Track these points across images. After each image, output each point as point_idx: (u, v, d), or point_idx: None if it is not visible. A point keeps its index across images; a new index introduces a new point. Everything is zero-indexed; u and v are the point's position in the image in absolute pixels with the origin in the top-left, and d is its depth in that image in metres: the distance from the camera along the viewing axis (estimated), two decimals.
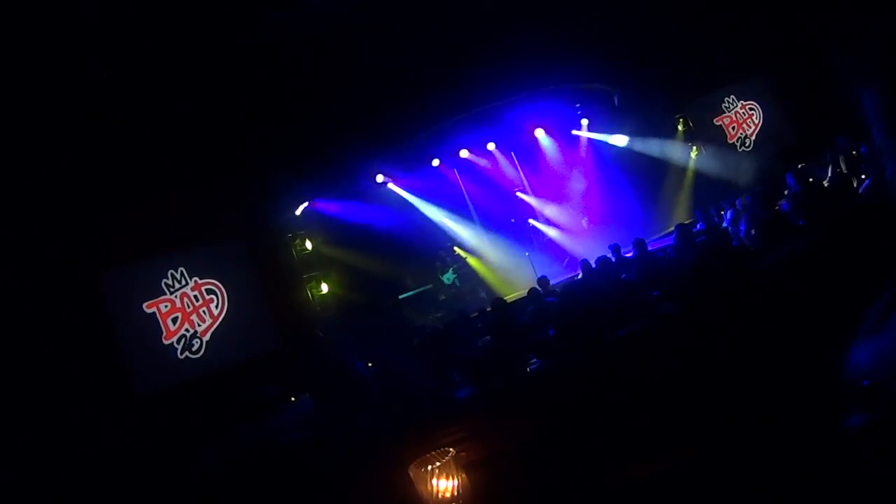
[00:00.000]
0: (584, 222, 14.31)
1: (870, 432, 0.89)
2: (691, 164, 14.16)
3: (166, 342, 9.37)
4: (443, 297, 12.91)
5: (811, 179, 7.88)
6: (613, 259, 8.47)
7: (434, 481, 2.05)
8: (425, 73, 10.47)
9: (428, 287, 13.01)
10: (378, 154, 12.00)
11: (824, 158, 8.80)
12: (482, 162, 14.36)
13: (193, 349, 9.56)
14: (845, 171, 7.83)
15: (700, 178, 14.05)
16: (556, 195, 14.71)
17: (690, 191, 14.08)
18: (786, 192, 7.69)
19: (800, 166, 8.01)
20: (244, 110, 9.75)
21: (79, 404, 8.06)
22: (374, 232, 12.50)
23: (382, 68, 10.23)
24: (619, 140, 14.39)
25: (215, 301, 9.95)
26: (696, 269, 3.22)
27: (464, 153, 14.00)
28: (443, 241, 13.67)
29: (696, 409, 2.40)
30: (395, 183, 13.32)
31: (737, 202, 8.82)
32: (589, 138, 14.82)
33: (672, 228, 10.42)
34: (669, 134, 14.27)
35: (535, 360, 4.36)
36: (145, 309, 9.34)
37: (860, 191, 6.25)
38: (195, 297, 9.79)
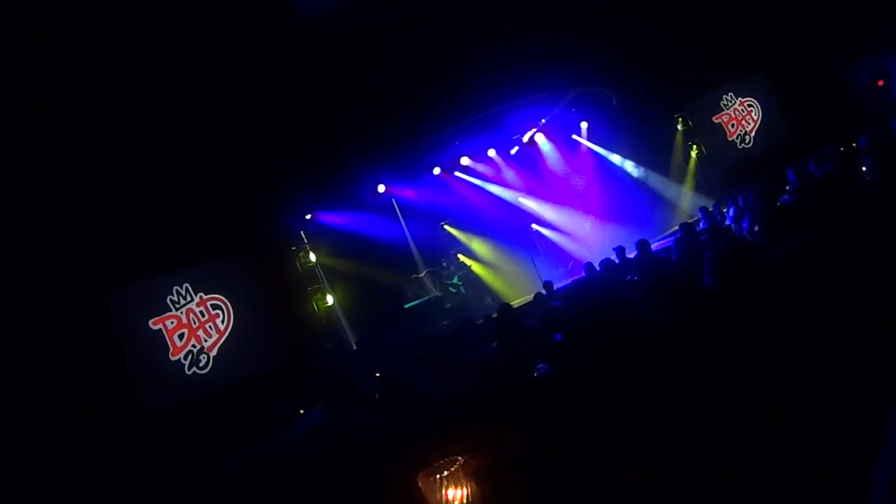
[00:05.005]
0: (587, 225, 14.30)
1: None
2: (692, 163, 14.15)
3: (173, 358, 9.37)
4: (448, 305, 12.89)
5: (813, 174, 7.87)
6: (618, 261, 8.45)
7: (443, 491, 2.04)
8: (422, 83, 10.50)
9: (433, 295, 13.00)
10: (379, 164, 12.03)
11: (825, 153, 8.77)
12: (483, 168, 14.38)
13: (201, 365, 9.56)
14: (847, 165, 7.80)
15: (701, 175, 14.05)
16: (558, 199, 14.71)
17: (692, 189, 14.08)
18: (787, 188, 7.68)
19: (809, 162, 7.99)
20: (244, 125, 9.79)
21: (87, 422, 8.06)
22: (377, 242, 12.52)
23: (379, 78, 10.27)
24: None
25: (221, 316, 9.96)
26: (714, 267, 3.20)
27: (465, 160, 14.02)
28: (447, 249, 13.67)
29: (704, 410, 2.38)
30: (397, 192, 13.34)
31: (739, 199, 8.79)
32: (590, 139, 14.83)
33: (676, 228, 10.40)
34: (669, 134, 14.27)
35: (542, 365, 4.35)
36: (151, 326, 9.35)
37: (862, 185, 6.23)
38: (201, 312, 9.80)
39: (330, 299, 11.24)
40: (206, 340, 9.70)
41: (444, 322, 12.32)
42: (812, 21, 13.78)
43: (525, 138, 14.69)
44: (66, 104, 8.09)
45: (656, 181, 14.22)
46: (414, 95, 10.59)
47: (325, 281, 11.58)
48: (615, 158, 14.53)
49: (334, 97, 10.23)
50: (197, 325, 9.70)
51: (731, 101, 14.42)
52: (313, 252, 11.51)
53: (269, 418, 8.17)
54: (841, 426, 1.81)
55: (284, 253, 11.23)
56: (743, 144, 14.35)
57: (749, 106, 14.44)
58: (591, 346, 3.17)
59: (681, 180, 14.25)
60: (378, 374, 6.79)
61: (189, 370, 9.45)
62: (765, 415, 2.18)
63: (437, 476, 2.06)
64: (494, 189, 14.46)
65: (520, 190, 14.68)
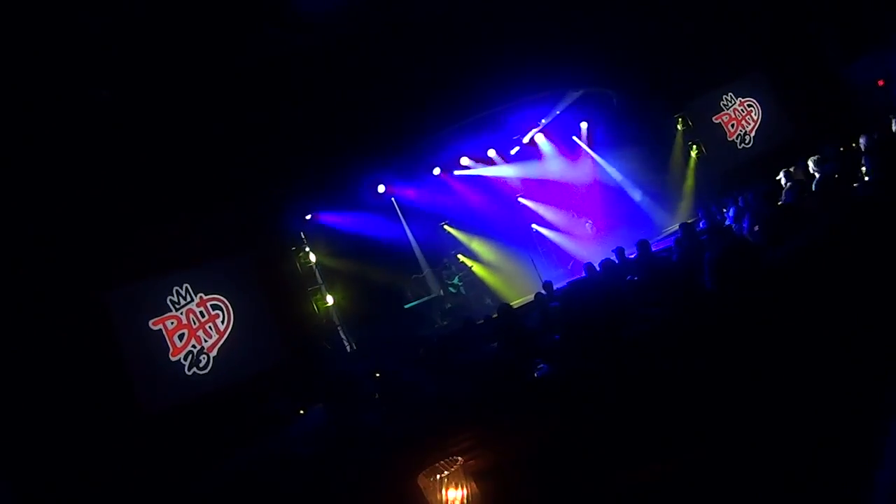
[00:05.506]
0: (588, 226, 14.30)
1: None
2: (692, 163, 14.16)
3: (173, 359, 9.37)
4: (449, 306, 12.89)
5: (813, 174, 7.86)
6: (617, 261, 8.45)
7: (443, 491, 2.04)
8: (422, 83, 10.50)
9: (433, 296, 13.00)
10: (379, 165, 12.04)
11: (825, 153, 8.77)
12: (483, 168, 14.38)
13: (201, 365, 9.56)
14: (847, 165, 7.80)
15: (701, 176, 14.05)
16: (558, 199, 14.71)
17: (692, 189, 14.08)
18: (789, 184, 7.69)
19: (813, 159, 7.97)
20: (244, 125, 9.79)
21: (87, 422, 8.06)
22: (377, 242, 12.52)
23: (379, 79, 10.27)
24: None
25: (221, 316, 9.96)
26: (714, 267, 3.20)
27: (465, 160, 14.01)
28: (447, 250, 13.67)
29: (704, 410, 2.38)
30: (397, 193, 13.33)
31: (739, 199, 8.79)
32: (589, 140, 14.85)
33: (676, 227, 10.40)
34: (669, 134, 14.27)
35: (542, 365, 4.35)
36: (151, 326, 9.35)
37: (862, 185, 6.23)
38: (201, 313, 9.80)
39: (330, 299, 11.26)
40: (206, 341, 9.71)
41: (445, 322, 12.32)
42: (812, 21, 13.79)
43: (525, 139, 14.69)
44: (66, 104, 8.09)
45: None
46: (414, 95, 10.59)
47: (324, 281, 11.60)
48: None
49: (334, 97, 10.23)
50: (197, 326, 9.70)
51: (730, 101, 14.42)
52: (313, 252, 11.52)
53: (270, 414, 8.19)
54: (841, 426, 1.82)
55: (284, 253, 11.24)
56: (743, 144, 14.36)
57: (749, 106, 14.45)
58: (587, 346, 3.18)
59: (681, 180, 14.25)
60: (378, 375, 6.79)
61: (189, 371, 9.45)
62: (764, 414, 2.18)
63: (438, 476, 2.06)
64: (493, 189, 14.43)
65: (520, 190, 14.68)
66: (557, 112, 14.08)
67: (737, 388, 2.37)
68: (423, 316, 12.61)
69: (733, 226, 7.93)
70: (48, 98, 7.84)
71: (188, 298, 9.76)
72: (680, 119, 14.12)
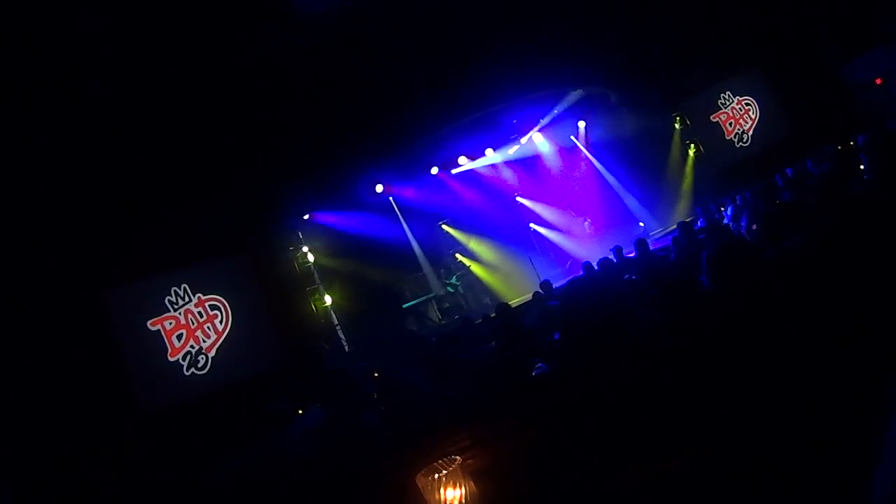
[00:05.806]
0: (586, 225, 14.31)
1: None
2: (690, 162, 14.17)
3: (172, 359, 9.36)
4: (447, 305, 12.90)
5: (811, 173, 7.87)
6: (616, 260, 8.45)
7: (442, 490, 2.03)
8: (420, 82, 10.49)
9: (431, 295, 13.00)
10: (377, 164, 12.03)
11: (823, 152, 8.78)
12: (481, 168, 14.37)
13: (199, 365, 9.55)
14: (844, 164, 7.81)
15: (699, 174, 14.07)
16: (556, 198, 14.72)
17: (690, 188, 14.09)
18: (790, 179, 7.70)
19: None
20: (242, 125, 9.77)
21: (86, 423, 8.05)
22: (375, 242, 12.53)
23: (377, 78, 10.26)
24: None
25: (219, 317, 9.95)
26: (711, 266, 3.19)
27: (462, 160, 14.01)
28: (445, 249, 13.67)
29: (703, 409, 2.38)
30: (395, 192, 13.33)
31: (737, 198, 8.81)
32: (587, 139, 14.86)
33: (674, 227, 10.41)
34: (667, 132, 14.28)
35: (540, 364, 4.34)
36: (150, 326, 9.34)
37: (860, 184, 6.23)
38: (199, 313, 9.79)
39: (328, 299, 11.26)
40: (204, 341, 9.70)
41: (443, 321, 12.33)
42: (810, 19, 13.79)
43: (524, 138, 14.70)
44: (64, 103, 8.07)
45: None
46: (412, 95, 10.58)
47: (322, 281, 11.60)
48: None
49: (332, 97, 10.21)
50: (195, 326, 9.69)
51: (728, 100, 14.43)
52: (311, 252, 11.53)
53: (268, 415, 8.18)
54: (840, 426, 1.81)
55: (282, 253, 11.24)
56: (741, 143, 14.37)
57: (747, 104, 14.45)
58: (587, 345, 3.17)
59: (679, 179, 14.26)
60: (376, 374, 6.78)
61: (188, 371, 9.44)
62: (763, 414, 2.17)
63: (436, 476, 2.05)
64: (491, 189, 14.43)
65: (518, 189, 14.68)
66: (556, 112, 14.08)
67: (735, 386, 2.37)
68: (422, 315, 12.62)
69: (731, 224, 7.94)
70: (47, 97, 7.82)
71: (186, 299, 9.75)
72: (678, 118, 14.15)
